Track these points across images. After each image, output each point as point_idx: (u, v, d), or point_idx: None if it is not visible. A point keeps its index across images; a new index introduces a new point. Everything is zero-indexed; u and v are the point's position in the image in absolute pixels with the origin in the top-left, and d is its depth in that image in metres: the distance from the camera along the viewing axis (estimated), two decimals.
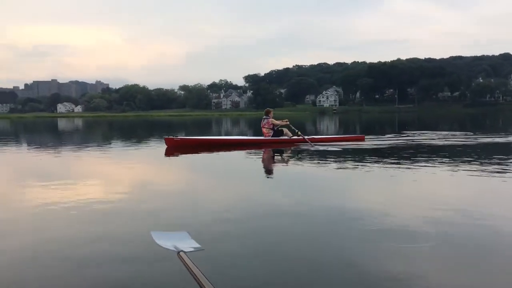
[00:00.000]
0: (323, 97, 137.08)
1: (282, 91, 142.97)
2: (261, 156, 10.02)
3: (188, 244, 2.66)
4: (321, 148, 10.80)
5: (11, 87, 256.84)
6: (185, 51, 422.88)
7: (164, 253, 2.76)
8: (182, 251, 2.49)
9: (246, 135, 17.10)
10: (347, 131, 22.52)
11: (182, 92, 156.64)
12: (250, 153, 10.36)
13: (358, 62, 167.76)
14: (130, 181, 6.61)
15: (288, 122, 12.22)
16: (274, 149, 11.14)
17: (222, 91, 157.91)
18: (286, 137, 12.05)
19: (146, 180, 6.81)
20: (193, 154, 10.32)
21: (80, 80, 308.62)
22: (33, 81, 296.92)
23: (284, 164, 8.93)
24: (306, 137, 12.03)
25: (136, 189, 5.93)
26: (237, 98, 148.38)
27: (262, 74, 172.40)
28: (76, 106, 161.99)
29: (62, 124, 43.09)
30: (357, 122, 38.49)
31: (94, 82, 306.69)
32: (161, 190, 5.80)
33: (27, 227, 3.92)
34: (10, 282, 2.68)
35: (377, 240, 3.29)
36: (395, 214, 4.15)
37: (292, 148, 11.18)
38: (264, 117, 12.18)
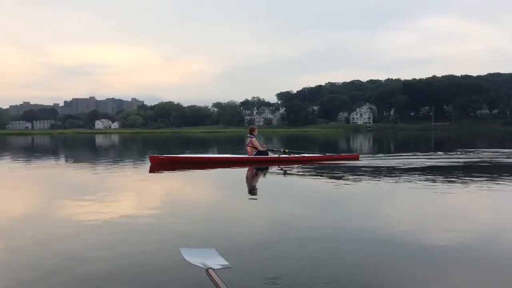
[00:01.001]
0: (356, 114, 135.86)
1: (315, 108, 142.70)
2: (246, 175, 9.79)
3: (216, 261, 2.66)
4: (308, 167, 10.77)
5: (52, 104, 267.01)
6: (218, 69, 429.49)
7: (193, 270, 2.75)
8: (210, 268, 2.49)
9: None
10: (381, 148, 22.20)
11: (216, 109, 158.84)
12: (237, 170, 10.58)
13: (392, 79, 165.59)
14: (157, 197, 6.76)
15: (266, 149, 12.05)
16: (258, 167, 10.89)
17: (255, 108, 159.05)
18: (274, 155, 11.89)
19: (172, 196, 6.95)
20: (182, 171, 10.27)
21: (116, 98, 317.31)
22: (72, 98, 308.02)
23: (302, 180, 8.78)
24: (296, 155, 12.33)
25: (164, 205, 5.99)
26: (269, 115, 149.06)
27: (295, 91, 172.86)
28: (113, 123, 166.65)
29: (99, 140, 44.42)
30: (391, 140, 37.85)
31: (129, 100, 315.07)
32: (189, 207, 5.88)
33: (58, 239, 4.01)
34: None
35: (414, 262, 3.22)
36: (428, 233, 4.08)
37: (278, 167, 10.86)
38: (248, 135, 11.93)
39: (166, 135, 69.11)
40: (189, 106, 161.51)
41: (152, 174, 9.87)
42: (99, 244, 3.87)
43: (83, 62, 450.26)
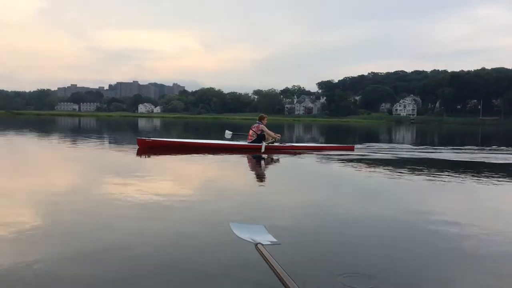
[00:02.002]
0: (400, 105, 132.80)
1: (357, 98, 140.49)
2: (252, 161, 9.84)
3: (265, 237, 2.72)
4: (304, 155, 10.84)
5: (97, 87, 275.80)
6: (258, 57, 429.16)
7: (242, 244, 2.82)
8: (260, 243, 2.53)
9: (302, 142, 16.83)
10: (424, 141, 21.67)
11: (256, 97, 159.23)
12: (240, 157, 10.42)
13: (438, 70, 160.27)
14: (194, 178, 7.13)
15: (279, 137, 11.90)
16: (254, 155, 10.64)
17: (295, 96, 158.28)
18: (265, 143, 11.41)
19: (209, 177, 7.30)
20: (171, 156, 10.25)
21: (158, 82, 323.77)
22: (117, 82, 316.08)
23: (332, 168, 8.85)
24: (287, 144, 12.19)
25: (204, 185, 6.34)
26: (310, 104, 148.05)
27: (336, 80, 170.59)
28: (155, 107, 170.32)
29: (142, 123, 45.54)
30: (435, 133, 37.02)
31: (171, 85, 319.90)
32: (231, 186, 6.31)
33: (108, 220, 4.00)
34: (93, 271, 2.72)
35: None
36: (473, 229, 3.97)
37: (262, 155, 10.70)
38: (257, 122, 11.83)
39: (208, 120, 70.21)
40: (230, 93, 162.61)
41: (187, 156, 10.06)
42: (146, 220, 4.01)
43: (127, 47, 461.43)
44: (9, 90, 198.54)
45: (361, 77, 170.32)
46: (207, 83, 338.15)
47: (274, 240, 2.71)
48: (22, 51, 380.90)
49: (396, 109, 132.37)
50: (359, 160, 9.95)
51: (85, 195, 5.17)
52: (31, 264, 2.75)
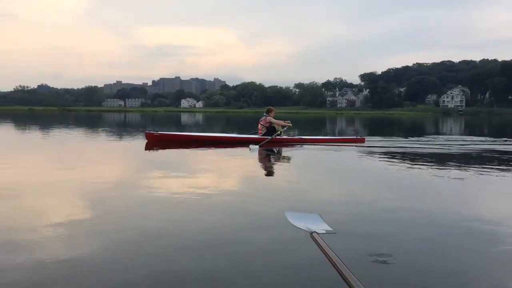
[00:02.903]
0: (447, 97, 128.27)
1: (401, 90, 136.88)
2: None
3: (320, 226, 2.72)
4: (314, 148, 10.52)
5: (141, 83, 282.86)
6: (298, 49, 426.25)
7: (298, 233, 2.86)
8: (315, 232, 2.53)
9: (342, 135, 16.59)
10: (472, 133, 20.89)
11: (297, 90, 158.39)
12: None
13: (487, 60, 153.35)
14: (240, 171, 7.17)
15: (290, 124, 11.60)
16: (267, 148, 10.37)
17: (337, 89, 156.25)
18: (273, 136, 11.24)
19: (248, 169, 7.39)
20: (181, 149, 10.21)
21: (200, 78, 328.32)
22: (160, 78, 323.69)
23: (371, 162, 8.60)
24: (296, 137, 11.84)
25: (254, 178, 6.42)
26: (352, 97, 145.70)
27: (379, 72, 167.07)
28: (197, 102, 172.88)
29: (184, 118, 46.48)
30: (485, 124, 35.56)
31: (212, 80, 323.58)
32: (272, 178, 6.37)
33: (159, 208, 4.08)
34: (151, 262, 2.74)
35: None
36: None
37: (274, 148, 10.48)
38: (265, 114, 11.63)
39: (250, 114, 70.54)
40: (271, 87, 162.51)
41: (204, 149, 10.00)
42: (200, 211, 4.06)
43: (169, 43, 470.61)
44: (59, 88, 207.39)
45: (405, 68, 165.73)
46: (247, 77, 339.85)
47: (329, 228, 2.72)
48: (70, 50, 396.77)
49: (443, 101, 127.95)
50: (405, 153, 9.81)
51: (131, 189, 5.22)
52: (82, 256, 2.78)
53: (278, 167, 7.90)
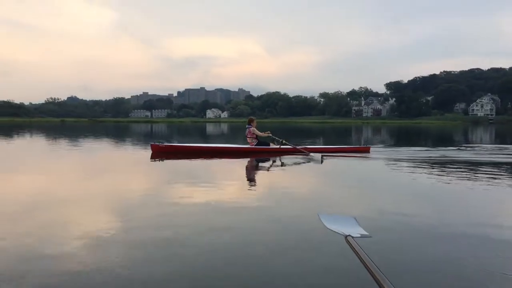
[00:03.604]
0: (476, 105, 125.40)
1: (429, 98, 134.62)
2: (246, 165, 9.57)
3: (355, 230, 2.68)
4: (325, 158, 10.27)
5: (167, 94, 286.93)
6: (323, 59, 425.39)
7: (332, 236, 2.84)
8: (350, 235, 2.51)
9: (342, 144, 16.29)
10: (504, 142, 20.42)
11: (322, 100, 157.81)
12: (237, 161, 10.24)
13: None
14: (262, 179, 7.32)
15: (270, 134, 11.72)
16: (258, 158, 10.63)
17: (362, 98, 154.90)
18: (276, 146, 11.54)
19: (271, 177, 7.51)
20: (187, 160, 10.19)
21: (224, 88, 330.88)
22: (185, 89, 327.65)
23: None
24: (299, 146, 11.65)
25: (276, 185, 6.55)
26: (378, 106, 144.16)
27: (405, 81, 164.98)
28: (222, 112, 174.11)
29: (210, 128, 46.94)
30: None
31: (236, 90, 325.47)
32: (300, 185, 6.56)
33: (204, 220, 4.09)
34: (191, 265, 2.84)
35: None
36: None
37: (279, 157, 10.56)
38: (247, 126, 11.75)
39: (275, 125, 70.60)
40: (295, 96, 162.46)
41: (217, 160, 10.16)
42: (232, 217, 4.16)
43: (194, 54, 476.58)
44: (87, 99, 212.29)
45: (433, 76, 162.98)
46: (271, 87, 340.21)
47: (365, 232, 2.67)
48: (98, 62, 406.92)
49: (473, 109, 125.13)
50: (435, 162, 9.81)
51: (159, 199, 5.24)
52: (111, 266, 2.84)
53: (298, 175, 8.01)
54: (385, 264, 2.45)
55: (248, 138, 11.67)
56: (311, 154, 10.70)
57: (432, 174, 7.80)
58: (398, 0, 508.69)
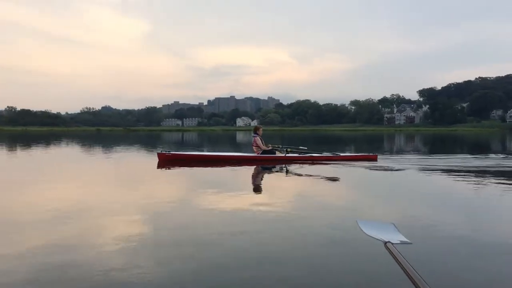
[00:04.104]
0: None
1: (464, 105, 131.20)
2: (252, 173, 9.59)
3: (395, 236, 2.59)
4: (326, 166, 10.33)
5: (197, 103, 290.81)
6: (353, 66, 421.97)
7: (371, 242, 2.79)
8: (389, 242, 2.43)
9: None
10: None
11: (353, 107, 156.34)
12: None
13: None
14: (290, 186, 7.35)
15: (270, 147, 11.81)
16: (264, 166, 10.63)
17: (394, 106, 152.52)
18: (282, 154, 11.58)
19: (296, 185, 7.51)
20: (191, 168, 10.42)
21: (254, 96, 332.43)
22: (215, 98, 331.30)
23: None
24: (304, 155, 11.59)
25: (305, 192, 6.61)
26: (411, 113, 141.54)
27: (439, 87, 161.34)
28: (252, 120, 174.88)
29: (239, 136, 47.33)
30: None
31: (266, 98, 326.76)
32: (332, 192, 6.44)
33: (232, 227, 4.12)
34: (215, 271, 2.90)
35: None
36: None
37: (285, 165, 10.62)
38: (253, 134, 11.83)
39: (306, 132, 70.46)
40: (325, 104, 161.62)
41: (227, 168, 10.23)
42: (268, 224, 4.20)
43: (224, 63, 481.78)
44: (121, 109, 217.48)
45: (468, 82, 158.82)
46: (301, 95, 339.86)
47: (405, 239, 2.58)
48: (130, 72, 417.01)
49: (510, 116, 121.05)
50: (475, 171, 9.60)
51: (191, 207, 5.31)
52: (143, 270, 2.91)
53: (324, 183, 7.92)
54: (426, 271, 2.46)
55: (254, 147, 11.81)
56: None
57: (470, 182, 7.67)
58: (431, 5, 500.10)
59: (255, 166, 10.61)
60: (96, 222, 4.38)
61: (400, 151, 18.71)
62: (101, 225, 4.28)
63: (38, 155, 15.63)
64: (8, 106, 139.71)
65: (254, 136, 11.73)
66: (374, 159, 11.86)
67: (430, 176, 8.62)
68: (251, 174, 9.44)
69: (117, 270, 2.91)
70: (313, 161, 11.36)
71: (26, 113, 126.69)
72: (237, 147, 23.37)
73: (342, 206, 5.35)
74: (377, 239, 2.52)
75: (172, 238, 3.74)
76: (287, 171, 9.56)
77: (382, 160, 11.97)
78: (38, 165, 11.77)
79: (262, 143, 11.75)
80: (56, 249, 3.41)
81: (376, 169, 9.82)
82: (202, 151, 16.81)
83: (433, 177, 8.53)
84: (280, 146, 12.13)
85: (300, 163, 10.90)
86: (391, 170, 9.81)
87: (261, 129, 11.92)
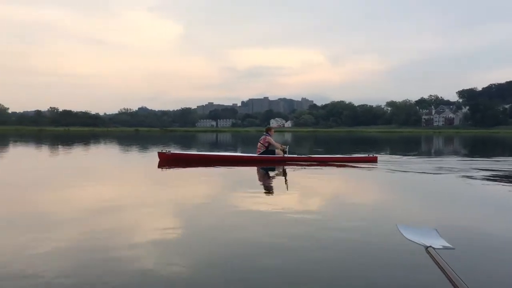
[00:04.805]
0: None
1: (506, 106, 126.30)
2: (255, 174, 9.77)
3: (437, 241, 2.56)
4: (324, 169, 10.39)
5: (231, 104, 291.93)
6: (389, 66, 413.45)
7: (411, 247, 2.75)
8: (431, 247, 2.40)
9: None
10: None
11: (389, 108, 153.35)
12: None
13: None
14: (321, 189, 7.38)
15: (285, 149, 11.70)
16: (263, 168, 10.67)
17: (432, 107, 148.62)
18: (280, 155, 11.61)
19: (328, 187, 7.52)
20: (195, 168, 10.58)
21: (287, 98, 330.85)
22: (248, 99, 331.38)
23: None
24: (303, 155, 11.76)
25: (338, 194, 6.64)
26: (451, 115, 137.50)
27: (479, 88, 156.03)
28: (286, 122, 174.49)
29: (273, 138, 46.83)
30: None
31: (300, 99, 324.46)
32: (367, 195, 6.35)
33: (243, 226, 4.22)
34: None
35: None
36: None
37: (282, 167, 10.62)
38: (264, 134, 11.97)
39: (341, 134, 69.71)
40: (361, 105, 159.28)
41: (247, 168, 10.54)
42: (304, 226, 4.20)
43: (257, 64, 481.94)
44: (156, 110, 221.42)
45: (510, 83, 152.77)
46: (335, 97, 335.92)
47: (448, 244, 2.54)
48: (165, 73, 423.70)
49: None
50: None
51: (222, 207, 5.41)
52: (175, 267, 2.98)
53: (359, 186, 8.00)
54: (469, 278, 2.36)
55: (259, 143, 11.95)
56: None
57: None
58: (469, 2, 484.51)
59: (256, 167, 10.75)
60: (130, 220, 4.55)
61: (438, 153, 18.39)
62: (135, 222, 4.45)
63: (93, 152, 16.37)
64: (50, 107, 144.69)
65: (266, 135, 11.91)
66: (374, 161, 11.67)
67: (470, 180, 8.46)
68: (272, 174, 9.68)
69: (150, 267, 3.00)
70: (311, 162, 11.50)
71: (67, 113, 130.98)
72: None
73: (377, 210, 5.34)
74: (418, 243, 2.50)
75: (205, 236, 3.85)
76: (284, 173, 9.66)
77: (420, 163, 11.77)
78: (87, 163, 12.30)
79: (276, 143, 11.96)
80: (91, 245, 3.56)
81: (413, 172, 9.76)
82: (236, 151, 17.02)
83: (474, 180, 8.38)
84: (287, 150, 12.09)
85: (299, 165, 11.04)
86: (428, 173, 9.68)
87: (273, 130, 12.24)
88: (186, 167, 10.88)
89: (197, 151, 15.76)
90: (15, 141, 28.56)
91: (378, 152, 13.95)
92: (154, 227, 4.21)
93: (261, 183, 8.30)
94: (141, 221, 4.52)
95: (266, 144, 11.76)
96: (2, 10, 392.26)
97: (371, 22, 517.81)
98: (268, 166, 11.00)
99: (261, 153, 11.75)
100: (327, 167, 10.79)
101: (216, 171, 9.98)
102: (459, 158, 14.22)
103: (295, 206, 5.39)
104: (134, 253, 3.33)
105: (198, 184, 7.90)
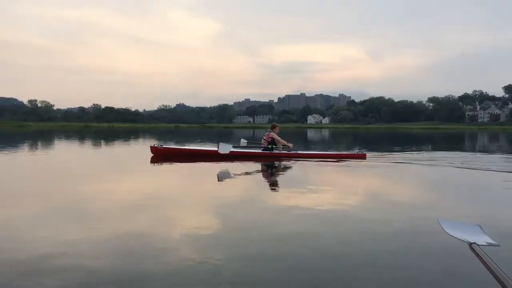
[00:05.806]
0: None
1: None
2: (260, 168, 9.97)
3: (481, 238, 2.51)
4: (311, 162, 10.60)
5: (267, 100, 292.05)
6: (431, 61, 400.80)
7: (454, 242, 2.72)
8: (475, 243, 2.36)
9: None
10: None
11: (431, 104, 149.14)
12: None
13: None
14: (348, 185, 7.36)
15: (291, 146, 11.98)
16: (265, 163, 10.81)
17: (477, 103, 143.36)
18: (277, 151, 11.96)
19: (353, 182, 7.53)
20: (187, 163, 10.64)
21: (324, 94, 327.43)
22: (285, 95, 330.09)
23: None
24: (293, 152, 11.91)
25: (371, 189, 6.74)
26: (496, 111, 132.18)
27: None
28: (323, 118, 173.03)
29: (310, 134, 47.03)
30: None
31: (337, 95, 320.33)
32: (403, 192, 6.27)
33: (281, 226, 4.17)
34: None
35: None
36: None
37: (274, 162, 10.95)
38: (269, 130, 12.28)
39: (380, 131, 68.39)
40: (401, 101, 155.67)
41: (232, 163, 10.55)
42: (342, 222, 4.28)
43: (294, 61, 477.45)
44: (194, 106, 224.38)
45: None
46: (373, 92, 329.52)
47: (492, 241, 2.50)
48: (203, 70, 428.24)
49: None
50: None
51: (257, 204, 5.48)
52: (212, 261, 3.02)
53: (390, 181, 7.98)
54: None
55: (263, 139, 12.29)
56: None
57: None
58: None
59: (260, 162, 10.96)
60: (165, 214, 4.70)
61: (481, 150, 17.87)
62: (170, 217, 4.58)
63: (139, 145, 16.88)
64: (93, 104, 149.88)
65: (270, 131, 12.24)
66: (363, 157, 11.79)
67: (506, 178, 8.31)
68: (285, 170, 9.87)
69: (186, 261, 3.07)
70: (299, 158, 11.64)
71: (110, 110, 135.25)
72: (309, 144, 23.35)
73: (416, 205, 5.34)
74: (462, 240, 2.47)
75: (241, 233, 3.93)
76: (281, 166, 10.12)
77: (461, 158, 11.58)
78: (132, 158, 12.75)
79: (281, 139, 12.16)
80: (128, 237, 3.67)
81: (456, 167, 9.82)
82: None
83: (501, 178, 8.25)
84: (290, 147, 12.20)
85: (288, 160, 11.30)
86: (470, 168, 9.67)
87: (278, 128, 12.53)
88: (184, 162, 10.94)
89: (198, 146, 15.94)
90: (82, 138, 28.48)
91: (420, 150, 13.52)
92: (190, 220, 4.36)
93: (323, 179, 8.30)
94: (176, 216, 4.64)
95: (269, 140, 12.12)
96: (47, 10, 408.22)
97: (410, 16, 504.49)
98: (266, 161, 11.23)
99: (263, 150, 12.13)
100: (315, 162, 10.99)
101: (204, 166, 10.17)
102: (503, 155, 13.91)
103: (337, 204, 5.41)
104: (167, 245, 3.46)
105: (242, 180, 8.01)
